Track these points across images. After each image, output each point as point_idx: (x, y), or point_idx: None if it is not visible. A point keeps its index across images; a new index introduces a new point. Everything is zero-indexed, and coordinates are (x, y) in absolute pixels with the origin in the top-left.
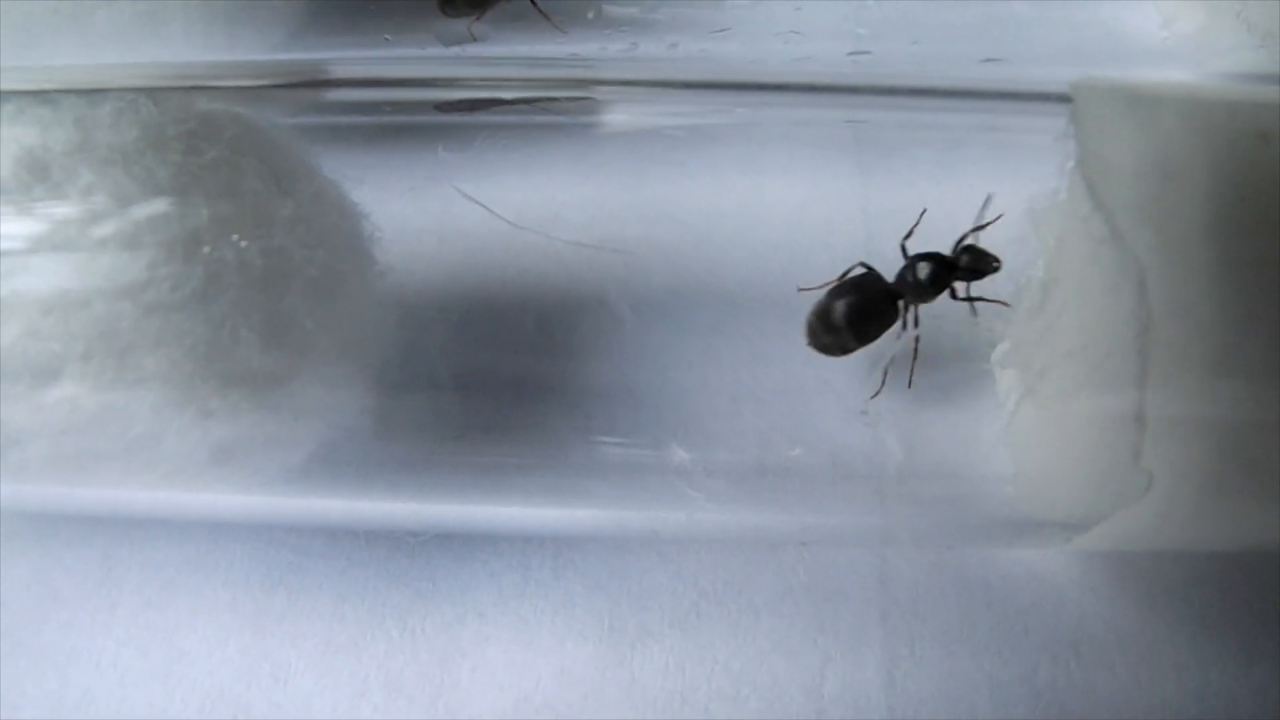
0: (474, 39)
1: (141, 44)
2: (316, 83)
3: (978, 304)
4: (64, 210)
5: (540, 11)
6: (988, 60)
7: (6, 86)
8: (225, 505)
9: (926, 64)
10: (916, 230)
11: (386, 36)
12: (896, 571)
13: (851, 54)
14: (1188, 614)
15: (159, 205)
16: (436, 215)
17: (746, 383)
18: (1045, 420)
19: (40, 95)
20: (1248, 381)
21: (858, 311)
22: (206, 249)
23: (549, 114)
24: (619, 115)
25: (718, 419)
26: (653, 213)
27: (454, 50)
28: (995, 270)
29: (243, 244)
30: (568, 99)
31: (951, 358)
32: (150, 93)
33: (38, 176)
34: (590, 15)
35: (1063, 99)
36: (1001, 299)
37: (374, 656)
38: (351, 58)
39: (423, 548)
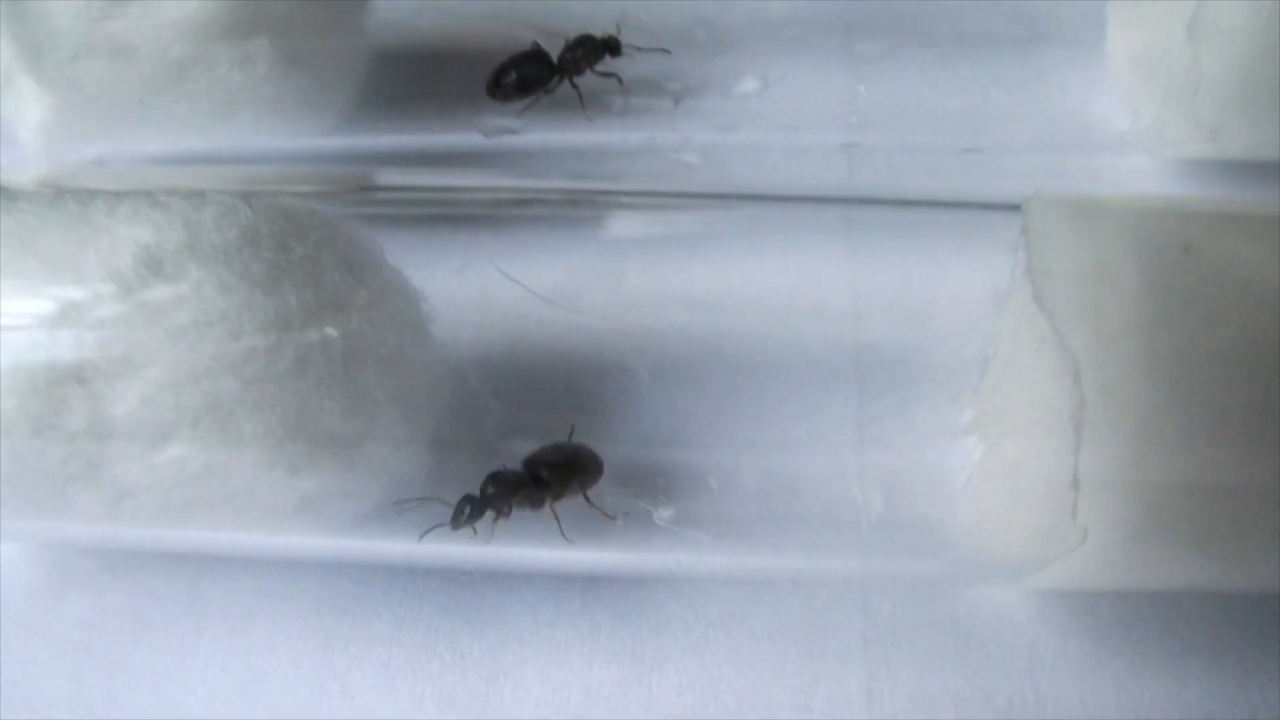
0: (514, 131)
1: (217, 129)
2: (378, 188)
3: None
4: (177, 300)
5: (579, 96)
6: (968, 150)
7: (119, 187)
8: (299, 545)
9: (912, 153)
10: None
11: (432, 128)
12: (877, 606)
13: (845, 144)
14: (1126, 643)
15: (256, 295)
16: (479, 292)
17: (749, 438)
18: (1001, 481)
19: (149, 196)
20: (1166, 453)
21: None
22: (295, 332)
23: (582, 209)
24: (639, 222)
25: (724, 472)
26: (667, 290)
27: (493, 140)
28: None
29: (323, 331)
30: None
31: (927, 428)
32: (243, 195)
33: (153, 271)
34: (617, 108)
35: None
36: None
37: (429, 676)
38: (403, 153)
39: (470, 583)
